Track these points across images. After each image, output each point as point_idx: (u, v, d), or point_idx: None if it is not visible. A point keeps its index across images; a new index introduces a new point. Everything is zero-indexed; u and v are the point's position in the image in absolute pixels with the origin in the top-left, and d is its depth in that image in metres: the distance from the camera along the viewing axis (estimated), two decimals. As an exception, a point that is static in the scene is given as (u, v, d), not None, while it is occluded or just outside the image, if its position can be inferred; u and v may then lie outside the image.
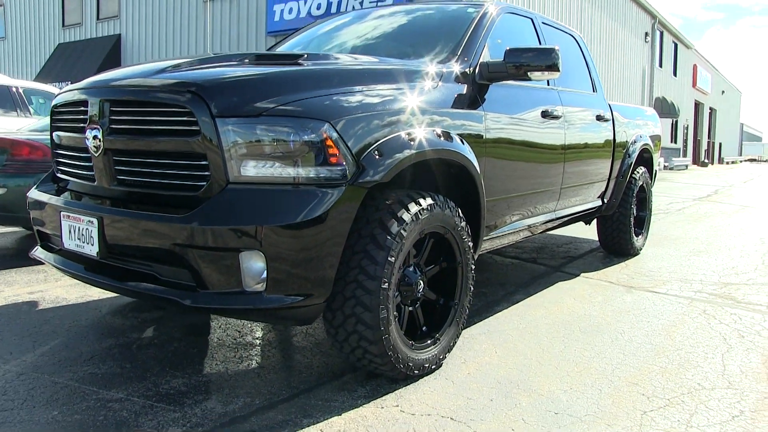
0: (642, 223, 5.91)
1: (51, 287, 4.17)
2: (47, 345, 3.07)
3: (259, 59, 2.97)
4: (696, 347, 3.27)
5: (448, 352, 2.95)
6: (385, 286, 2.49)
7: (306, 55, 2.94)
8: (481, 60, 3.38)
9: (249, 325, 3.43)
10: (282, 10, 16.55)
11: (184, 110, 2.35)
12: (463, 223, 2.93)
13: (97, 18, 22.14)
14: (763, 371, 2.98)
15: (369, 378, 2.74)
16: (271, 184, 2.34)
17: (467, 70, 3.28)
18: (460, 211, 2.93)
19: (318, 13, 15.59)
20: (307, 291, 2.37)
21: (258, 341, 3.23)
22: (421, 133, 2.71)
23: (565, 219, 4.53)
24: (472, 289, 3.07)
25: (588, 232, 6.42)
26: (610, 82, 22.55)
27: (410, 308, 2.82)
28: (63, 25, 23.41)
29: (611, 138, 5.02)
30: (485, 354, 3.10)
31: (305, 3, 16.01)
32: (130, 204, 2.58)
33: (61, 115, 2.96)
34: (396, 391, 2.63)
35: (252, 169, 2.33)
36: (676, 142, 32.52)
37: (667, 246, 6.41)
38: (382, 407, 2.49)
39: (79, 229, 2.65)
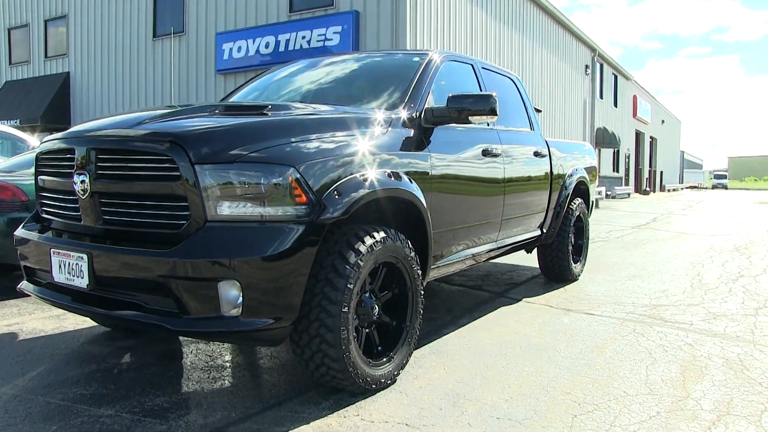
0: (580, 251, 6.40)
1: (27, 320, 4.37)
2: (35, 371, 3.30)
3: (228, 110, 3.33)
4: (624, 361, 3.69)
5: (402, 368, 3.29)
6: (345, 309, 2.84)
7: (270, 106, 3.30)
8: (426, 105, 3.80)
9: (218, 350, 3.72)
10: (231, 49, 16.90)
11: (166, 158, 2.68)
12: (413, 254, 3.31)
13: (45, 56, 22.10)
14: (680, 379, 3.40)
15: (332, 392, 3.06)
16: (244, 221, 2.68)
17: (413, 115, 3.69)
18: (409, 242, 3.30)
19: (266, 52, 15.98)
20: (277, 315, 2.70)
21: (228, 363, 3.52)
22: (374, 174, 3.09)
23: (507, 248, 4.96)
24: (421, 312, 3.44)
25: (529, 260, 6.89)
26: (553, 114, 23.54)
27: (367, 330, 3.17)
28: (10, 63, 23.24)
29: (548, 172, 5.51)
30: (434, 370, 3.46)
31: (254, 42, 16.40)
32: (115, 240, 2.87)
33: (47, 162, 3.24)
34: (356, 403, 2.96)
35: (227, 209, 2.66)
36: (618, 171, 33.86)
37: (605, 272, 6.93)
38: (345, 416, 2.82)
39: (68, 264, 2.92)
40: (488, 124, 4.56)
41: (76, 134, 3.08)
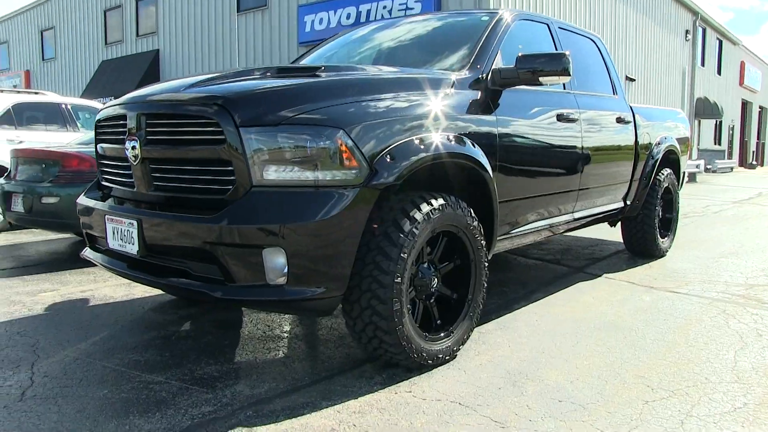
0: (668, 225, 5.95)
1: (100, 287, 4.51)
2: (97, 336, 3.37)
3: (281, 72, 3.21)
4: (709, 344, 3.36)
5: (462, 344, 3.11)
6: (398, 280, 2.68)
7: (323, 67, 3.16)
8: (493, 67, 3.54)
9: (277, 320, 3.67)
10: (313, 21, 16.99)
11: (211, 121, 2.60)
12: (476, 223, 3.10)
13: (137, 35, 23.06)
14: (774, 367, 3.06)
15: (386, 367, 2.93)
16: (290, 186, 2.57)
17: (480, 76, 3.45)
18: (472, 211, 3.10)
19: (348, 23, 15.94)
20: (325, 284, 2.58)
21: (285, 334, 3.46)
22: (433, 138, 2.90)
23: (586, 220, 4.65)
24: (485, 285, 3.23)
25: (614, 234, 6.50)
26: (647, 83, 22.29)
27: (425, 302, 3.01)
28: (106, 43, 24.44)
29: (632, 140, 5.11)
30: (498, 347, 3.26)
31: (335, 13, 16.39)
32: (165, 207, 2.83)
33: (104, 129, 3.25)
34: (410, 379, 2.82)
35: (273, 173, 2.55)
36: (719, 144, 31.82)
37: (697, 248, 6.43)
38: (396, 392, 2.68)
39: (121, 231, 2.92)
40: (564, 88, 4.24)
41: (129, 100, 3.05)
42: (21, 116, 8.00)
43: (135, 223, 2.82)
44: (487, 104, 3.41)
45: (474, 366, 3.00)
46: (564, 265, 5.35)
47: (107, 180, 3.30)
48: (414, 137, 2.82)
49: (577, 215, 4.43)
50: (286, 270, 2.51)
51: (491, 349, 3.23)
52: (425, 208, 2.81)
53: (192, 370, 2.87)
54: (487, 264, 3.23)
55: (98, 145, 3.32)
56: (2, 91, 8.73)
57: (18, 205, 5.58)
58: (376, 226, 2.71)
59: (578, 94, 4.36)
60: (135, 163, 2.89)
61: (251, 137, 2.53)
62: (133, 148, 2.88)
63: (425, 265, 2.97)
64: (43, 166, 5.58)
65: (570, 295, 4.32)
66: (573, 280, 4.77)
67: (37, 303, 4.02)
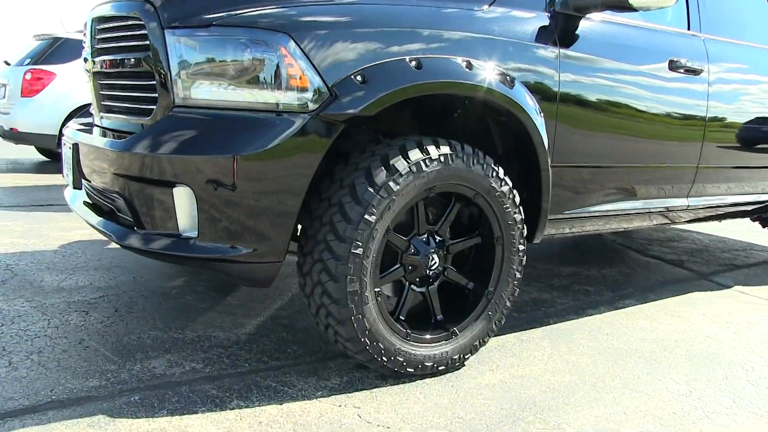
0: None
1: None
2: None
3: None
4: None
5: (471, 353, 2.29)
6: (357, 251, 1.94)
7: None
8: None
9: (279, 284, 3.05)
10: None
11: (138, 22, 2.02)
12: (505, 188, 2.24)
13: None
14: None
15: (356, 369, 2.21)
16: (218, 109, 1.91)
17: None
18: (501, 171, 2.24)
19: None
20: (251, 244, 1.91)
21: (276, 304, 2.83)
22: (440, 62, 2.08)
23: (710, 212, 3.48)
24: (519, 275, 2.37)
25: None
26: None
27: (421, 289, 2.23)
28: None
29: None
30: (528, 363, 2.39)
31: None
32: (106, 132, 2.31)
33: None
34: (373, 390, 2.08)
35: (200, 91, 1.92)
36: None
37: None
38: (340, 406, 1.95)
39: (66, 157, 2.47)
40: (689, 27, 3.12)
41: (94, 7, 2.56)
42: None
43: (71, 148, 2.34)
44: (548, 32, 2.46)
45: (475, 386, 2.17)
46: (686, 269, 4.16)
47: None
48: (408, 57, 2.02)
49: (694, 202, 3.29)
50: (195, 218, 1.87)
51: (516, 365, 2.37)
52: (415, 155, 2.02)
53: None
54: (523, 248, 2.36)
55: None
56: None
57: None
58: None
59: (711, 39, 3.19)
60: (89, 81, 2.42)
61: (175, 41, 1.92)
62: (85, 60, 2.41)
63: (423, 237, 2.19)
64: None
65: (673, 308, 3.24)
66: (688, 289, 3.64)
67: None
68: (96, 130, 2.40)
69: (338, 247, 1.93)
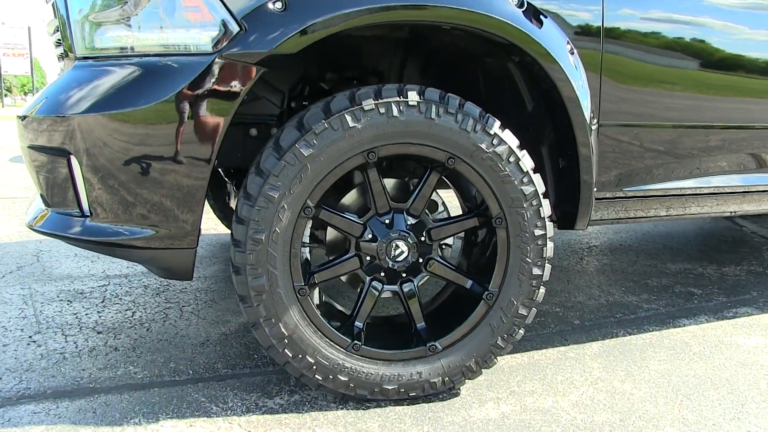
0: None
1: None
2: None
3: None
4: None
5: (464, 377, 1.71)
6: (259, 236, 1.48)
7: None
8: None
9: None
10: None
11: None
12: (501, 148, 1.62)
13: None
14: None
15: (303, 386, 1.75)
16: (113, 58, 1.54)
17: None
18: (497, 125, 1.62)
19: None
20: (149, 226, 1.52)
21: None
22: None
23: None
24: (539, 272, 1.74)
25: None
26: None
27: (392, 287, 1.71)
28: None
29: None
30: (558, 392, 1.77)
31: None
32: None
33: None
34: (320, 414, 1.60)
35: (98, 37, 1.55)
36: None
37: None
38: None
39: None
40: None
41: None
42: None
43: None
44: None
45: (461, 420, 1.61)
46: None
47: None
48: None
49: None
50: (83, 190, 1.53)
51: (538, 393, 1.76)
52: (339, 107, 1.51)
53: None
54: (542, 232, 1.72)
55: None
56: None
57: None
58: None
59: None
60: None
61: (73, -25, 1.58)
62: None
63: (386, 216, 1.66)
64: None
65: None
66: None
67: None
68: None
69: (236, 230, 1.51)
